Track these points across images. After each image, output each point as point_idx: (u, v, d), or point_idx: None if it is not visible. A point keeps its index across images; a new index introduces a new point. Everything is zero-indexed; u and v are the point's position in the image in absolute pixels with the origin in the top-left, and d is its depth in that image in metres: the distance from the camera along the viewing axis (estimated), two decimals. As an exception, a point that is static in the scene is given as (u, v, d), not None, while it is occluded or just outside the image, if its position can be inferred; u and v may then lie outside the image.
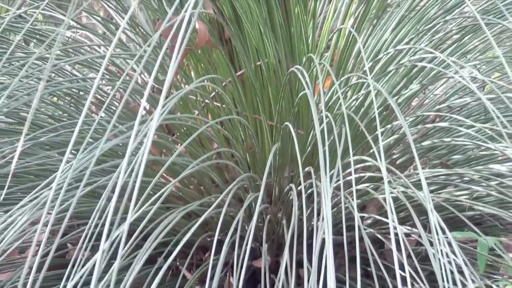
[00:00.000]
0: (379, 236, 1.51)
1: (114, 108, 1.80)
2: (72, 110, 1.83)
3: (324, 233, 1.13)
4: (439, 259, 1.11)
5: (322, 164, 1.16)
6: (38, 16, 1.52)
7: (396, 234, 1.11)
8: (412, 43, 1.79)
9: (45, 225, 1.08)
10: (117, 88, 1.65)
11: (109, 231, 0.95)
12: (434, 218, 1.15)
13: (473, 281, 1.19)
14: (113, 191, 1.00)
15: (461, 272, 1.12)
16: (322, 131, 1.21)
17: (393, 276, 1.25)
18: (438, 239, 1.14)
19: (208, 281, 1.37)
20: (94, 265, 1.05)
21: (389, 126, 1.69)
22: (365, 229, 1.38)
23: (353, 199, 1.29)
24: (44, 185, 1.31)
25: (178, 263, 1.58)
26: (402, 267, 1.10)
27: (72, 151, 1.43)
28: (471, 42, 1.83)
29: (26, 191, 1.55)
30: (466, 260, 1.22)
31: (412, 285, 1.22)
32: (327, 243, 1.07)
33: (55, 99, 1.85)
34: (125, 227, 0.90)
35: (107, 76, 1.86)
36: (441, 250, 1.12)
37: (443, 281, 1.08)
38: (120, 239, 0.96)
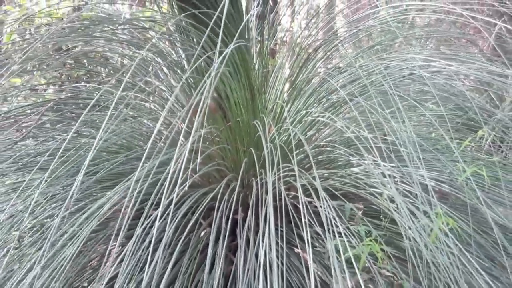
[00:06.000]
0: (296, 203, 1.48)
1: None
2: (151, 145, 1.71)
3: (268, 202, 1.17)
4: (325, 214, 1.15)
5: (268, 168, 1.23)
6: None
7: (304, 203, 1.15)
8: (312, 108, 1.77)
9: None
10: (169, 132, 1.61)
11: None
12: (322, 193, 1.19)
13: (343, 224, 1.22)
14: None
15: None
16: (268, 153, 1.26)
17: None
18: (324, 204, 1.17)
19: (213, 225, 1.43)
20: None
21: (301, 149, 1.65)
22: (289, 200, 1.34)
23: (282, 184, 1.32)
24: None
25: (197, 217, 1.54)
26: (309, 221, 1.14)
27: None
28: (342, 107, 1.78)
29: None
30: (340, 213, 1.25)
31: (311, 226, 1.23)
32: (269, 202, 1.14)
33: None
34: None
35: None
36: (325, 210, 1.16)
37: (328, 224, 1.13)
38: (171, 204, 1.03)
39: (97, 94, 1.58)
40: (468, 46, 2.15)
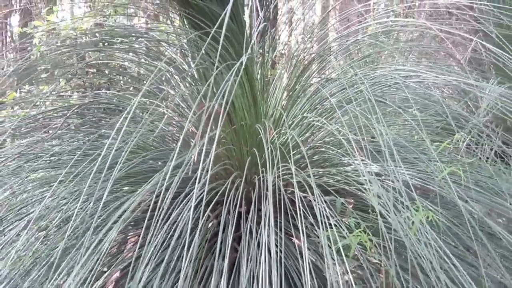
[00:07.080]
0: (293, 198, 1.43)
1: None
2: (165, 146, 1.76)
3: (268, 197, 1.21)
4: (318, 208, 1.19)
5: (269, 167, 1.26)
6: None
7: (299, 198, 1.19)
8: (308, 113, 1.76)
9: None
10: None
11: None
12: (317, 191, 1.21)
13: (335, 216, 1.26)
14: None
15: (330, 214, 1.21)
16: (268, 153, 1.29)
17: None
18: (316, 199, 1.21)
19: (219, 217, 1.45)
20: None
21: (297, 150, 1.63)
22: (286, 195, 1.34)
23: (281, 181, 1.33)
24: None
25: (206, 209, 1.51)
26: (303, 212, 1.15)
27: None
28: (335, 112, 1.72)
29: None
30: (331, 207, 1.26)
31: (306, 218, 1.25)
32: (269, 199, 1.18)
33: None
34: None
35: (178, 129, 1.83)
36: (319, 204, 1.20)
37: (320, 216, 1.17)
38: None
39: (116, 100, 1.62)
40: (447, 59, 2.18)
